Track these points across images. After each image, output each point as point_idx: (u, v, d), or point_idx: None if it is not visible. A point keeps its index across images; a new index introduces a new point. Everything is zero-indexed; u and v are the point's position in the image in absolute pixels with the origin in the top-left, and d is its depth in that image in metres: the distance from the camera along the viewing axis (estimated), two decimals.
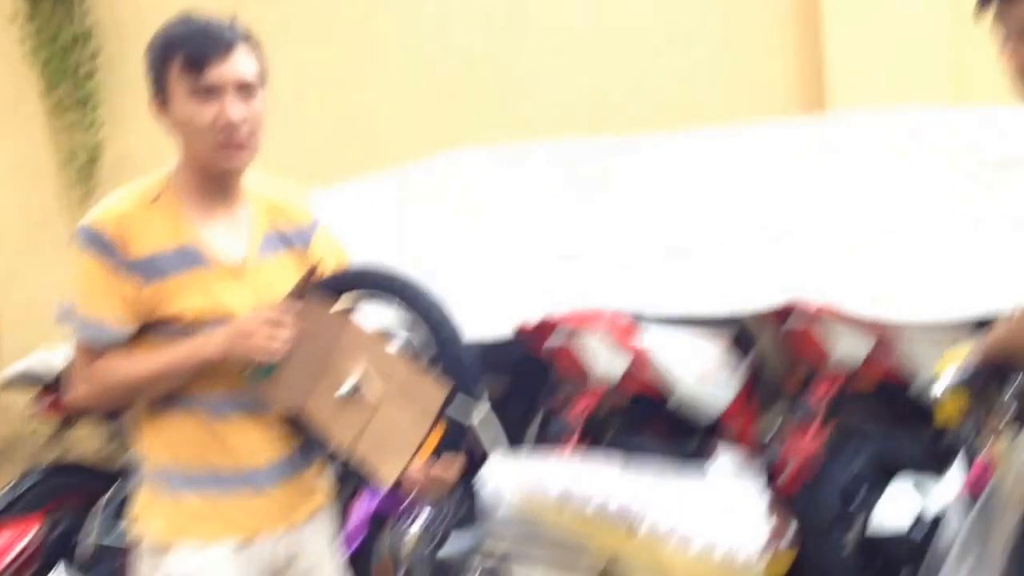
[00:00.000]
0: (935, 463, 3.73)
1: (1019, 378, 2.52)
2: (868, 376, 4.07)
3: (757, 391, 4.20)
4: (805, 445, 3.94)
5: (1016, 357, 2.51)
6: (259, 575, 2.45)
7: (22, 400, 4.53)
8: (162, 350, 2.36)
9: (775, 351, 4.23)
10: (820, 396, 4.03)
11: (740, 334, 4.22)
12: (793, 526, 3.55)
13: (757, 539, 2.81)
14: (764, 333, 4.25)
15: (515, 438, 3.77)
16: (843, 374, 4.05)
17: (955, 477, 3.33)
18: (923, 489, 3.78)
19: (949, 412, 2.66)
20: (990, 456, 2.62)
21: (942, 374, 2.65)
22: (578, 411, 4.10)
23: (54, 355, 4.17)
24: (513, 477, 3.06)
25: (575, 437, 4.05)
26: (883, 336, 3.97)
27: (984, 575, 2.46)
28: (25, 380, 4.35)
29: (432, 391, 2.36)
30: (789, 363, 4.19)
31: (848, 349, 4.02)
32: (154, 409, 2.42)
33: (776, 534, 3.03)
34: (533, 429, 4.13)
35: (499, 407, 3.63)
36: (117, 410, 2.80)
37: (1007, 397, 2.53)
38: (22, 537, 3.65)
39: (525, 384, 4.27)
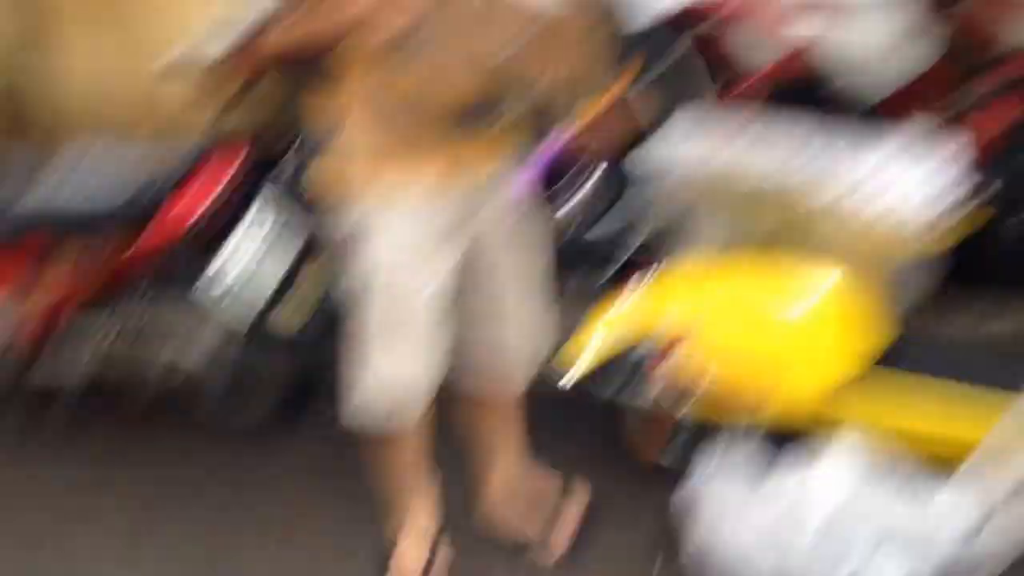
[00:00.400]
0: None
1: None
2: None
3: (949, 62, 3.97)
4: (997, 118, 3.78)
5: None
6: (440, 223, 2.58)
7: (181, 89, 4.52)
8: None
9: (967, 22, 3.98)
10: (1014, 71, 3.78)
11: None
12: (983, 192, 3.41)
13: (938, 204, 2.79)
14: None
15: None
16: None
17: None
18: None
19: None
20: None
21: None
22: (739, 94, 4.04)
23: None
24: (683, 147, 3.06)
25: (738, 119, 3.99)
26: None
27: None
28: (192, 60, 4.31)
29: (599, 42, 2.37)
30: (984, 35, 3.95)
31: None
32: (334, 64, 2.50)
33: (961, 199, 2.96)
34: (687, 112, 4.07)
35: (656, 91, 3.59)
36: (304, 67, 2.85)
37: None
38: (229, 166, 3.64)
39: (678, 70, 4.20)
